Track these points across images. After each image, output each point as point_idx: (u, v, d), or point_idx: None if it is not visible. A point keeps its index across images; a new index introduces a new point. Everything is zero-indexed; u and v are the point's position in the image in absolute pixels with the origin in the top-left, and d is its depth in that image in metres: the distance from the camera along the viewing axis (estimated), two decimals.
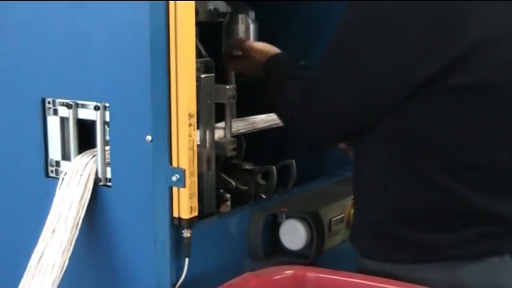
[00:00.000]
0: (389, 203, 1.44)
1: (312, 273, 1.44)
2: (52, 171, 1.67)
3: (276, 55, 1.74)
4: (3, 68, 1.70)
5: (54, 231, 1.54)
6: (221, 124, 1.82)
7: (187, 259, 1.52)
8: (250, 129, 1.97)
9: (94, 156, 1.59)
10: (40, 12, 1.61)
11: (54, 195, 1.57)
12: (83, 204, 1.54)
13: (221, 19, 1.92)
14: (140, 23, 1.46)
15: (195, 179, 1.51)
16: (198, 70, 1.60)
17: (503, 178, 1.43)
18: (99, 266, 1.61)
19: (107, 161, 1.57)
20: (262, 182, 1.97)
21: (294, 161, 1.99)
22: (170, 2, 1.45)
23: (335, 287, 1.42)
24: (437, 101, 1.36)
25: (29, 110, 1.67)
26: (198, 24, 1.59)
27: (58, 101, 1.63)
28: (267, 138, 2.02)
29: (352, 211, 1.62)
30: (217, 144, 1.74)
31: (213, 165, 1.70)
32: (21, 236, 1.67)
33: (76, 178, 1.56)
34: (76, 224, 1.53)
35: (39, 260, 1.53)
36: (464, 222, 1.41)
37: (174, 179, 1.49)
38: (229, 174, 1.95)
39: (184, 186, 1.49)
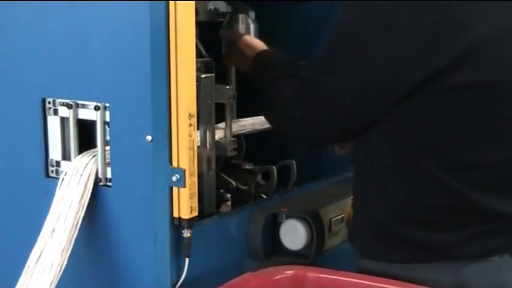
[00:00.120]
0: (389, 202, 1.44)
1: (312, 273, 1.44)
2: (52, 171, 1.67)
3: (264, 51, 1.72)
4: (3, 68, 1.70)
5: (53, 230, 1.54)
6: (221, 124, 1.82)
7: (187, 259, 1.52)
8: (250, 129, 1.97)
9: (94, 156, 1.59)
10: (40, 12, 1.61)
11: (54, 195, 1.57)
12: (82, 204, 1.54)
13: (221, 19, 1.92)
14: (140, 23, 1.46)
15: (195, 179, 1.51)
16: (198, 70, 1.60)
17: (504, 177, 1.43)
18: (99, 265, 1.61)
19: (107, 161, 1.57)
20: (262, 182, 1.97)
21: (294, 161, 1.99)
22: (170, 2, 1.45)
23: (335, 287, 1.41)
24: (437, 100, 1.36)
25: (29, 110, 1.66)
26: (198, 24, 1.59)
27: (58, 101, 1.63)
28: (267, 138, 2.02)
29: (352, 211, 1.62)
30: (217, 144, 1.74)
31: (213, 165, 1.70)
32: (21, 236, 1.66)
33: (76, 178, 1.56)
34: (75, 223, 1.53)
35: (38, 259, 1.53)
36: (464, 221, 1.41)
37: (174, 179, 1.49)
38: (229, 174, 1.95)
39: (185, 186, 1.49)
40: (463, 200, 1.39)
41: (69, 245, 1.52)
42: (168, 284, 1.52)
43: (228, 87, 1.76)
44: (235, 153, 1.84)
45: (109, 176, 1.57)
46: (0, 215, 1.76)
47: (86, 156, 1.60)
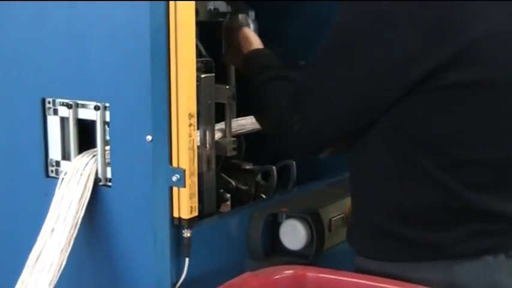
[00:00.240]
0: (388, 202, 1.44)
1: (312, 273, 1.44)
2: (52, 171, 1.67)
3: (256, 51, 1.71)
4: (3, 68, 1.70)
5: (53, 230, 1.54)
6: (221, 124, 1.82)
7: (187, 259, 1.52)
8: (250, 129, 1.97)
9: (94, 156, 1.59)
10: (40, 12, 1.61)
11: (54, 195, 1.57)
12: (82, 204, 1.54)
13: (221, 19, 1.92)
14: (140, 23, 1.46)
15: (195, 179, 1.51)
16: (198, 70, 1.60)
17: (501, 176, 1.43)
18: (99, 265, 1.61)
19: (107, 161, 1.57)
20: (262, 182, 1.97)
21: (294, 161, 1.99)
22: (170, 2, 1.45)
23: (335, 287, 1.41)
24: (435, 98, 1.36)
25: (29, 110, 1.67)
26: (198, 24, 1.59)
27: (58, 101, 1.63)
28: (267, 138, 2.02)
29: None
30: (217, 144, 1.74)
31: (213, 165, 1.70)
32: (21, 235, 1.66)
33: (76, 178, 1.56)
34: (75, 223, 1.53)
35: (37, 258, 1.53)
36: (462, 221, 1.41)
37: (174, 179, 1.49)
38: (229, 174, 1.95)
39: (185, 186, 1.49)
40: (462, 199, 1.39)
41: (69, 245, 1.52)
42: (168, 284, 1.52)
43: (227, 87, 1.76)
44: (235, 153, 1.84)
45: (109, 176, 1.57)
46: (0, 215, 1.76)
47: (85, 156, 1.60)
